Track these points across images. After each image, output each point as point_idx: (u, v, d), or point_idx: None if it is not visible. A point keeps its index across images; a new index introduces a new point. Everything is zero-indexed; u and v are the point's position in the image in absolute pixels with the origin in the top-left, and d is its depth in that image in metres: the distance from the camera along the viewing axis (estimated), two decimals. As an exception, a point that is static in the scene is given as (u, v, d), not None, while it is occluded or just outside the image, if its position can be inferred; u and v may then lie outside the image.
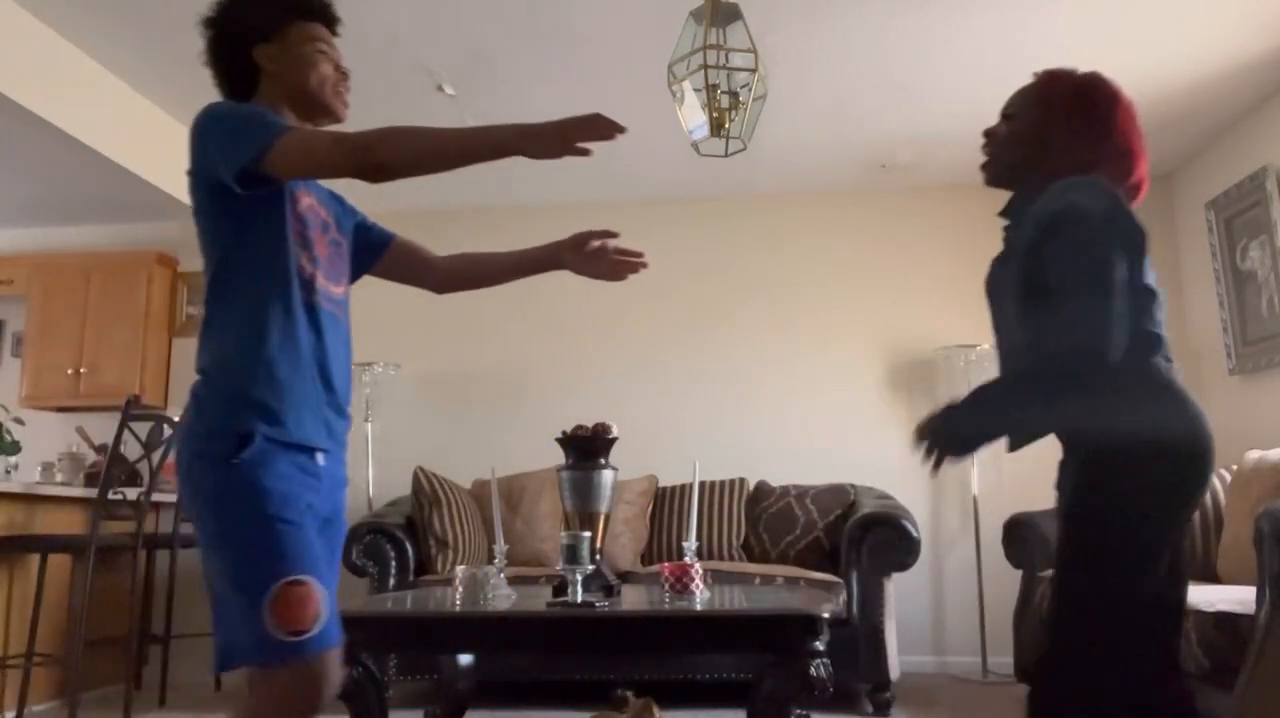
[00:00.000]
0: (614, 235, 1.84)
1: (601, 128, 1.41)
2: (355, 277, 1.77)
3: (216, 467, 1.42)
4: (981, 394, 1.58)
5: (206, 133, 1.47)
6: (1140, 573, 1.49)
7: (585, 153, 1.44)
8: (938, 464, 1.62)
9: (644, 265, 1.90)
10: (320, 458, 1.54)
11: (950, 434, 1.60)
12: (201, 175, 1.49)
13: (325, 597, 1.41)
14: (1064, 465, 1.65)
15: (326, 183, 1.69)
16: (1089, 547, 1.54)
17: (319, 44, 1.63)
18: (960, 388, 4.50)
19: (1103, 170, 1.62)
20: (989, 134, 1.78)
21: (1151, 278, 1.62)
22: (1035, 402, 1.60)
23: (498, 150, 1.44)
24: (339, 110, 1.66)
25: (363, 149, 1.40)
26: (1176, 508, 1.54)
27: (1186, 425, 1.55)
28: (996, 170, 1.77)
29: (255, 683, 1.41)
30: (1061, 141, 1.66)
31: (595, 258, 1.89)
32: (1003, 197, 1.79)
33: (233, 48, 1.61)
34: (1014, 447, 1.68)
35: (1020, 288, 1.61)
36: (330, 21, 1.68)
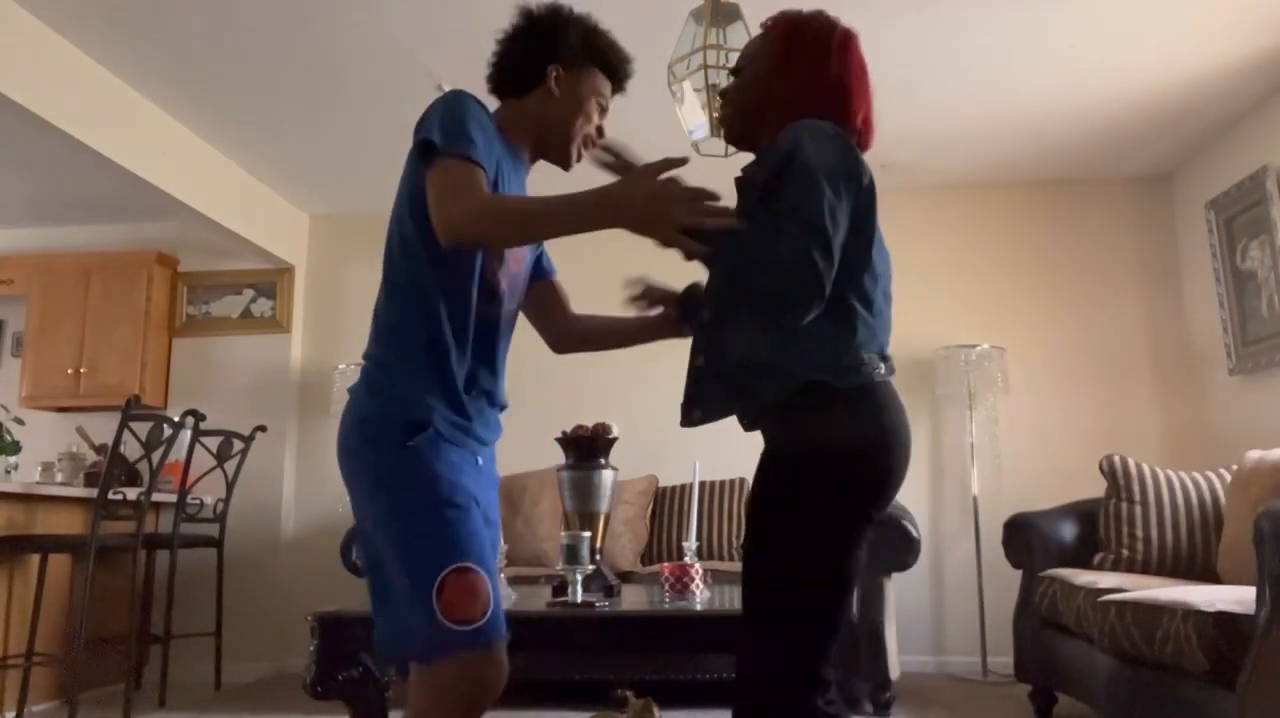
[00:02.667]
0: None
1: (665, 165, 1.41)
2: None
3: (388, 449, 1.42)
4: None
5: (436, 109, 1.49)
6: (798, 569, 1.44)
7: (699, 243, 1.41)
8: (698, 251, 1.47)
9: None
10: (480, 458, 1.55)
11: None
12: (418, 148, 1.48)
13: (493, 586, 1.39)
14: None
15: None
16: (755, 531, 1.49)
17: (601, 99, 1.66)
18: (960, 388, 4.50)
19: (827, 114, 1.54)
20: (721, 94, 1.71)
21: (880, 254, 1.53)
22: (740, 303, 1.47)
23: (599, 224, 1.41)
24: (570, 162, 1.68)
25: (464, 225, 1.39)
26: (845, 519, 1.45)
27: (871, 435, 1.45)
28: (730, 126, 1.67)
29: (424, 676, 1.39)
30: (780, 85, 1.58)
31: None
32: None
33: (535, 48, 1.63)
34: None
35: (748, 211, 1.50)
36: (620, 88, 1.71)
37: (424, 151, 1.45)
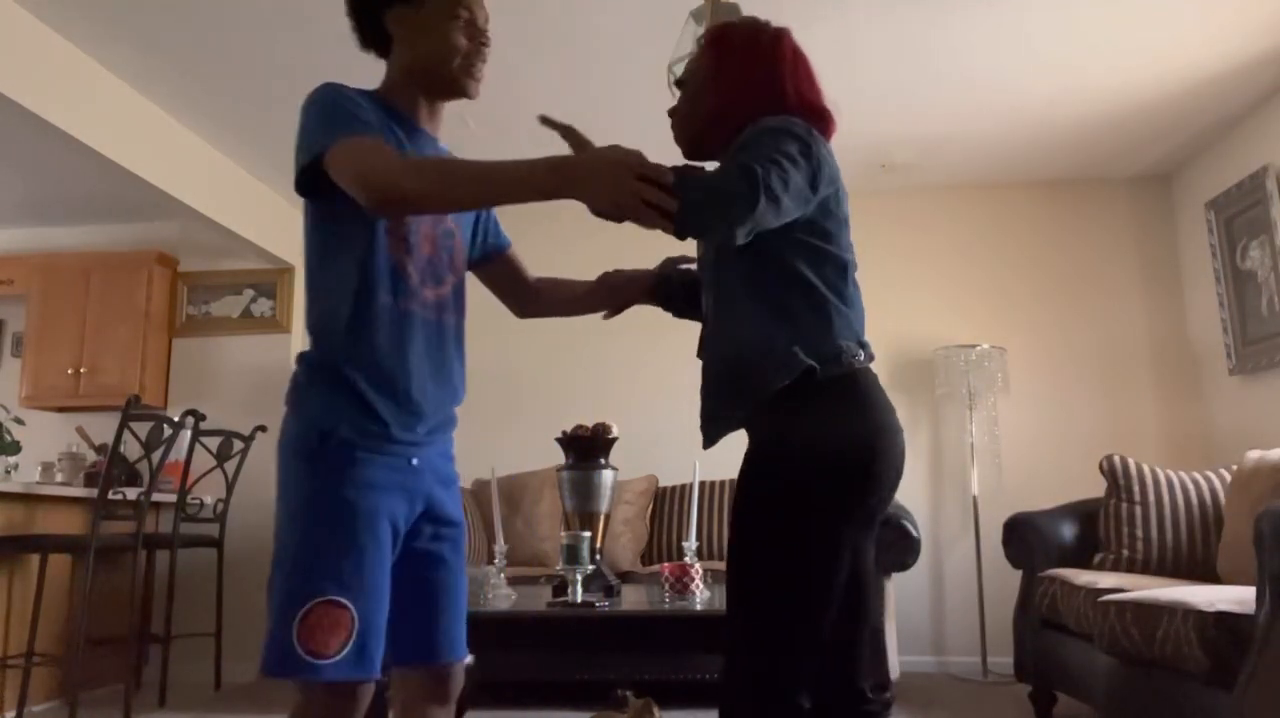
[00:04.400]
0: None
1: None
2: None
3: (298, 462, 1.39)
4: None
5: (301, 121, 1.43)
6: (783, 568, 1.42)
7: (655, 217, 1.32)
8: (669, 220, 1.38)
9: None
10: (414, 460, 1.47)
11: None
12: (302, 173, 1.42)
13: (363, 627, 1.33)
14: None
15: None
16: (739, 529, 1.47)
17: (458, 10, 1.49)
18: (960, 388, 4.50)
19: (762, 108, 1.55)
20: (670, 113, 1.70)
21: (846, 245, 1.53)
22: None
23: (543, 194, 1.32)
24: (468, 87, 1.54)
25: (388, 184, 1.31)
26: (832, 517, 1.43)
27: (860, 434, 1.44)
28: (686, 140, 1.67)
29: (295, 693, 1.39)
30: (719, 96, 1.58)
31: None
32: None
33: (364, 6, 1.52)
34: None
35: (744, 265, 1.50)
36: None
37: (308, 173, 1.39)
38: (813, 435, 1.43)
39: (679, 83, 1.70)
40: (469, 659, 1.58)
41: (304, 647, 1.31)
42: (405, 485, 1.45)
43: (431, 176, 1.34)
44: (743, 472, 1.49)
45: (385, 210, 1.36)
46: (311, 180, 1.40)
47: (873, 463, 1.45)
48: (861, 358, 1.49)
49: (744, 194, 1.34)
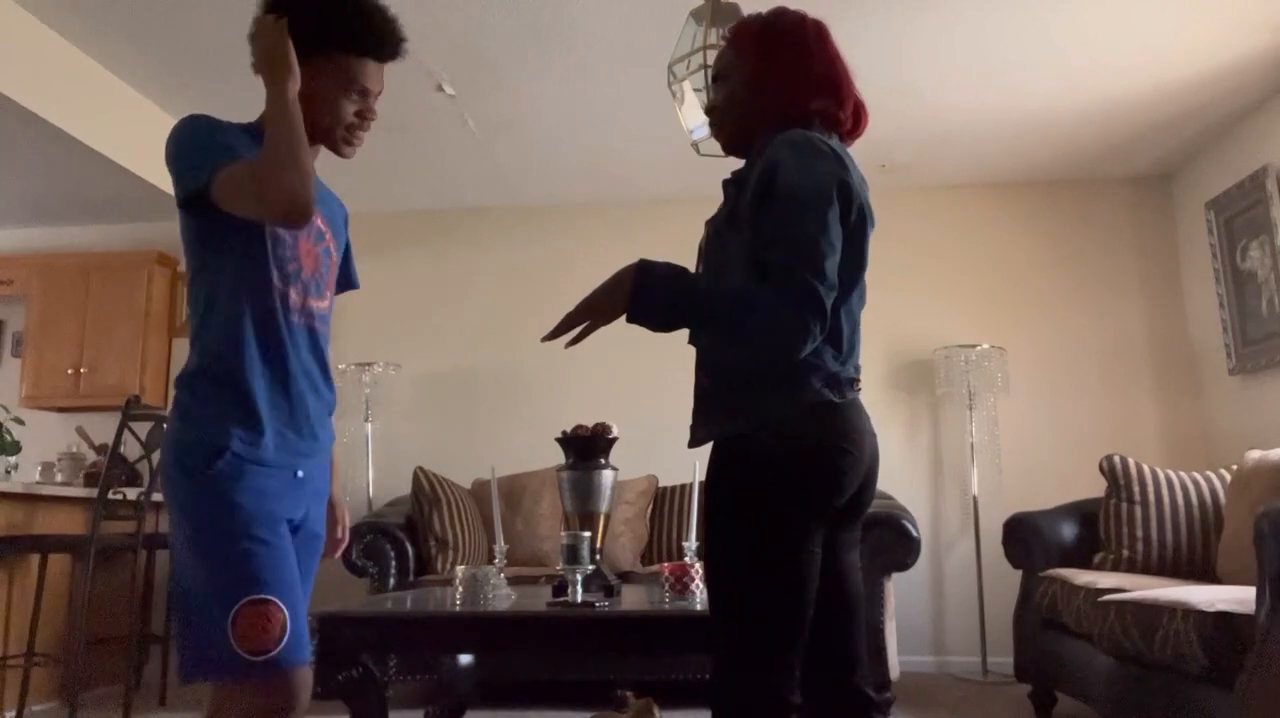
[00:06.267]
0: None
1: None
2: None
3: (191, 477, 1.42)
4: (690, 281, 1.42)
5: (169, 151, 1.48)
6: (753, 568, 1.42)
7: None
8: (588, 332, 1.46)
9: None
10: (299, 472, 1.53)
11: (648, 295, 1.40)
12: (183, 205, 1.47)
13: (290, 617, 1.40)
14: None
15: (329, 184, 1.68)
16: (711, 530, 1.47)
17: (351, 84, 1.52)
18: (960, 388, 4.50)
19: (814, 102, 1.54)
20: (707, 111, 1.69)
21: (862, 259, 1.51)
22: (721, 325, 1.43)
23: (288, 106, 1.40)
24: (342, 151, 1.59)
25: (286, 198, 1.36)
26: (797, 518, 1.43)
27: (827, 437, 1.44)
28: (727, 137, 1.66)
29: (220, 698, 1.41)
30: (767, 92, 1.56)
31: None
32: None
33: (294, 35, 1.51)
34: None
35: (745, 250, 1.47)
36: (382, 56, 1.56)
37: (192, 200, 1.43)
38: (775, 436, 1.43)
39: (715, 77, 1.68)
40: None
41: (242, 647, 1.35)
42: (290, 496, 1.51)
43: (264, 167, 1.37)
44: (710, 473, 1.49)
45: (295, 221, 1.39)
46: (193, 203, 1.44)
47: (831, 457, 1.44)
48: (848, 396, 1.48)
49: (797, 338, 1.34)
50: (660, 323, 1.41)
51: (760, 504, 1.43)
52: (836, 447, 1.45)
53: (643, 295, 1.39)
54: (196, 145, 1.46)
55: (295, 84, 1.43)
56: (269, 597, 1.38)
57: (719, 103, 1.65)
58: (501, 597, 2.44)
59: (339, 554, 1.79)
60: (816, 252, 1.36)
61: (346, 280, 1.79)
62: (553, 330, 1.45)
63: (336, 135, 1.55)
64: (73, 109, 3.49)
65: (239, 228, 1.45)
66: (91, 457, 4.53)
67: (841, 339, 1.48)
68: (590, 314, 1.44)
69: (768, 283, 1.36)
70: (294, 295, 1.52)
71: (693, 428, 1.56)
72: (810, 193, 1.41)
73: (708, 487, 1.49)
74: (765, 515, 1.42)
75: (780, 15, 1.62)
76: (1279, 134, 3.92)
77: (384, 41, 1.57)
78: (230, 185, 1.39)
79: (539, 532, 4.33)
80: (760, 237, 1.41)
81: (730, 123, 1.63)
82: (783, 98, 1.55)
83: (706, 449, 1.53)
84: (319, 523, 1.63)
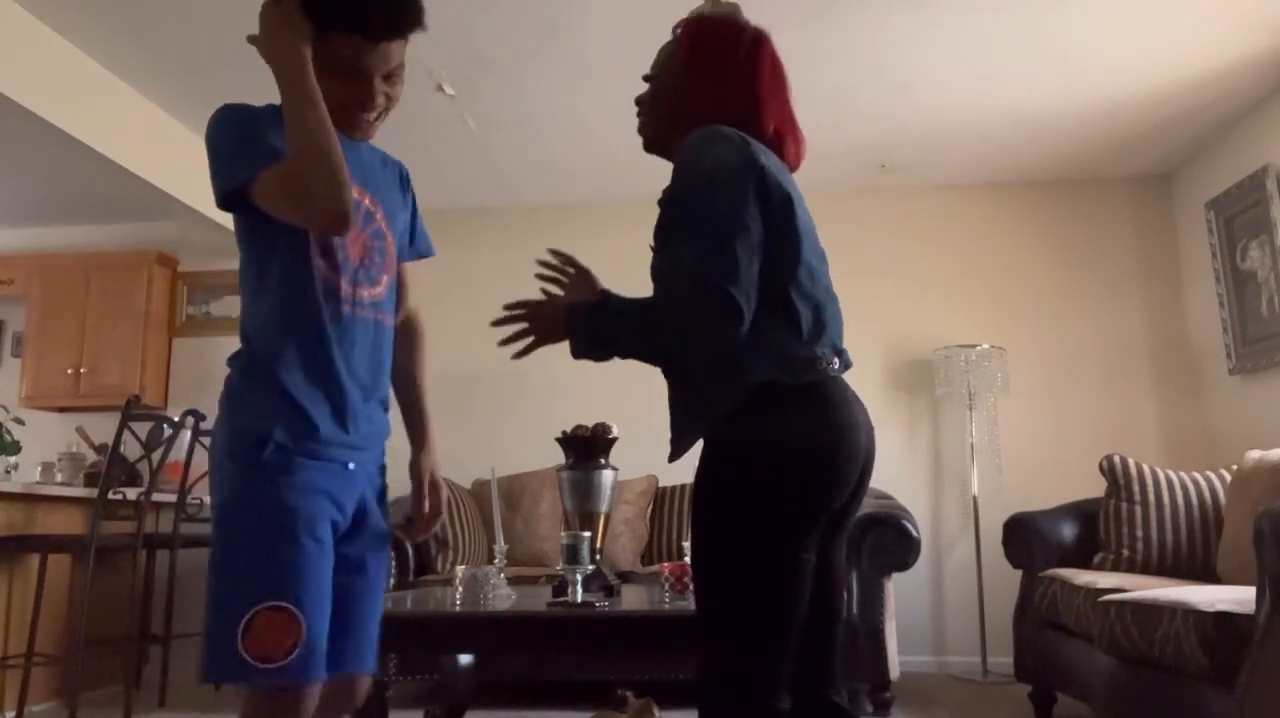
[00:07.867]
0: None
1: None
2: None
3: (238, 463, 1.38)
4: (630, 307, 1.43)
5: (207, 145, 1.43)
6: (744, 571, 1.40)
7: None
8: (532, 348, 1.51)
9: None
10: (350, 464, 1.47)
11: (583, 327, 1.44)
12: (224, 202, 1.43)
13: (310, 630, 1.33)
14: None
15: (387, 153, 1.63)
16: (698, 533, 1.44)
17: (336, 64, 1.41)
18: (960, 388, 4.50)
19: (724, 119, 1.48)
20: (636, 102, 1.65)
21: (812, 250, 1.48)
22: (650, 339, 1.44)
23: (301, 80, 1.35)
24: (352, 136, 1.50)
25: (325, 208, 1.33)
26: (789, 520, 1.40)
27: (817, 434, 1.40)
28: (647, 133, 1.60)
29: (243, 697, 1.38)
30: (687, 96, 1.52)
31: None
32: None
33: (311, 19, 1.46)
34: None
35: (660, 240, 1.48)
36: (370, 34, 1.41)
37: (235, 201, 1.40)
38: (766, 436, 1.40)
39: (648, 76, 1.63)
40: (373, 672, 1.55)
41: (250, 653, 1.30)
42: (341, 490, 1.45)
43: (297, 165, 1.33)
44: (699, 473, 1.45)
45: (336, 231, 1.38)
46: (230, 203, 1.41)
47: (828, 461, 1.41)
48: (836, 366, 1.45)
49: (720, 324, 1.34)
50: (596, 355, 1.45)
51: (740, 506, 1.39)
52: (817, 444, 1.40)
53: (573, 330, 1.45)
54: (230, 143, 1.40)
55: (305, 73, 1.35)
56: (289, 606, 1.32)
57: (644, 97, 1.62)
58: (501, 597, 2.45)
59: (423, 537, 1.70)
60: (713, 232, 1.35)
61: (417, 247, 1.71)
62: (501, 319, 1.53)
63: (339, 116, 1.45)
64: (73, 109, 3.49)
65: (282, 222, 1.40)
66: (91, 457, 4.53)
67: (800, 322, 1.43)
68: (533, 329, 1.51)
69: (676, 279, 1.37)
70: (344, 286, 1.46)
71: (670, 442, 1.53)
72: (706, 175, 1.39)
73: (694, 492, 1.47)
74: (746, 518, 1.39)
75: (722, 19, 1.57)
76: (1279, 134, 3.92)
77: (369, 16, 1.40)
78: (266, 192, 1.36)
79: (539, 532, 4.33)
80: (674, 224, 1.42)
81: (651, 122, 1.60)
82: (696, 107, 1.51)
83: (670, 462, 1.52)
84: (381, 520, 1.55)
